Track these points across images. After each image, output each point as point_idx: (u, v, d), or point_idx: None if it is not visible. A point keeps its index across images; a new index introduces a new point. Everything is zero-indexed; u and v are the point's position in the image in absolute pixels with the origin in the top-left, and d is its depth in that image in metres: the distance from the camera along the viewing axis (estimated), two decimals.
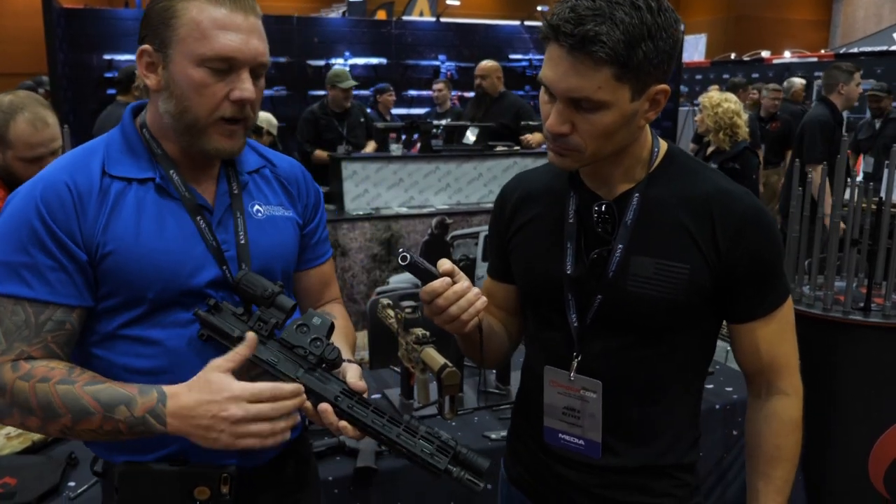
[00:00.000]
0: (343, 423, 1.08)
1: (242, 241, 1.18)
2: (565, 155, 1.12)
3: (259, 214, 1.23)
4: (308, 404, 1.08)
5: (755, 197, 1.18)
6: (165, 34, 1.10)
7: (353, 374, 1.13)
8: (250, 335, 1.09)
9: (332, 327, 1.15)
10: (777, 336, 1.20)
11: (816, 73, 11.42)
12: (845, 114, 6.70)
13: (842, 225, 2.67)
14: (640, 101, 1.08)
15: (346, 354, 1.21)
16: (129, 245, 1.11)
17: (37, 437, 1.79)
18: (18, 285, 1.07)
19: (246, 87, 1.11)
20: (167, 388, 1.05)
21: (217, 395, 1.02)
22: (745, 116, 4.19)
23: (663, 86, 1.08)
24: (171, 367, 1.13)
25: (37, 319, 1.08)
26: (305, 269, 1.35)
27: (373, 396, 2.16)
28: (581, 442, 1.22)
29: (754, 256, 1.14)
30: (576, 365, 1.20)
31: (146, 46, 1.13)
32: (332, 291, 1.42)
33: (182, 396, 1.04)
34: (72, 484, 1.66)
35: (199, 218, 1.15)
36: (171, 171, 1.16)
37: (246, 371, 1.10)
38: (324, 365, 1.12)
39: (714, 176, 1.19)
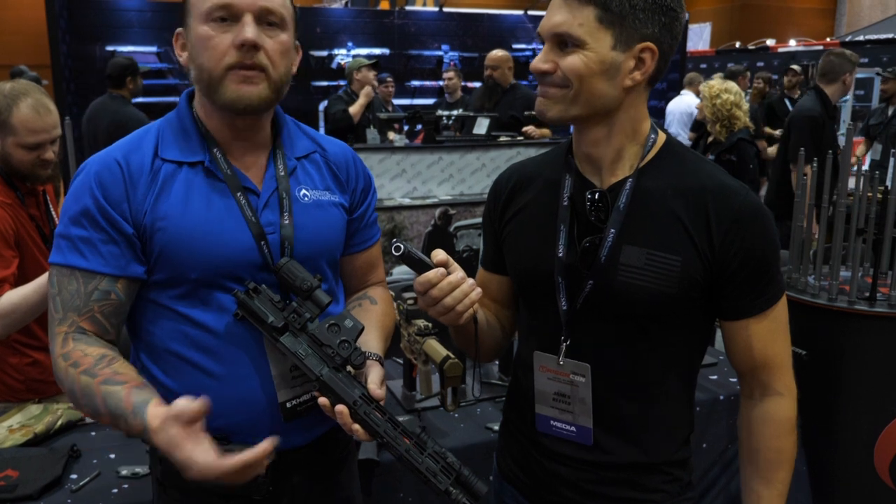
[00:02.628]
0: (356, 427, 1.10)
1: (287, 223, 1.20)
2: (546, 94, 1.14)
3: (306, 199, 1.25)
4: (326, 401, 1.11)
5: (753, 193, 1.17)
6: (185, 9, 1.17)
7: (374, 379, 1.16)
8: (265, 445, 1.06)
9: (361, 331, 1.17)
10: (770, 335, 1.18)
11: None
12: (851, 102, 6.60)
13: (815, 228, 2.62)
14: (622, 55, 1.09)
15: (375, 347, 1.24)
16: (174, 225, 1.15)
17: (39, 429, 1.79)
18: (75, 256, 1.14)
19: (246, 30, 1.11)
20: (149, 420, 1.04)
21: (178, 453, 1.02)
22: (745, 107, 4.14)
23: (649, 43, 1.09)
24: (213, 347, 1.18)
25: (86, 288, 1.15)
26: (353, 253, 1.37)
27: None
28: (573, 428, 1.21)
29: (749, 253, 1.12)
30: (564, 349, 1.19)
31: (179, 29, 1.19)
32: (378, 274, 1.44)
33: (157, 435, 1.04)
34: (74, 476, 1.65)
35: (243, 200, 1.18)
36: (216, 150, 1.19)
37: (277, 360, 1.17)
38: (348, 368, 1.15)
39: (712, 169, 1.18)
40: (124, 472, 1.66)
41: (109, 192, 1.14)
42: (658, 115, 7.91)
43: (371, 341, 1.25)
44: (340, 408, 1.09)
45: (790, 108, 6.36)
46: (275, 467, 1.17)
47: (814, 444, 2.49)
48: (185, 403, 1.03)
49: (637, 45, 1.09)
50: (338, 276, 1.36)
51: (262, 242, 1.18)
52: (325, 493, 1.33)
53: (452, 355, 1.91)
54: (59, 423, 1.84)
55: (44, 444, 1.78)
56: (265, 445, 1.05)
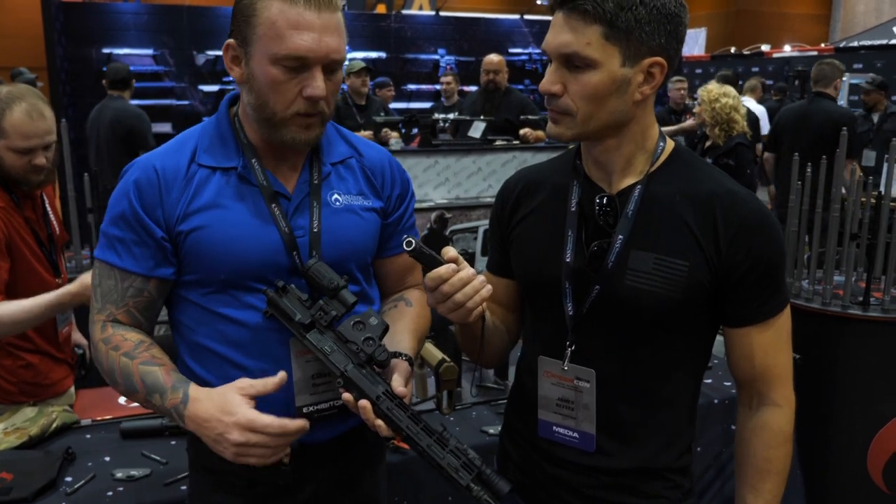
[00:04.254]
0: (379, 422, 1.12)
1: (316, 230, 1.24)
2: (558, 121, 1.14)
3: (337, 203, 1.28)
4: (350, 397, 1.13)
5: (761, 201, 1.17)
6: (247, 31, 1.17)
7: (399, 378, 1.17)
8: (281, 374, 1.15)
9: (386, 329, 1.20)
10: (772, 345, 1.18)
11: None
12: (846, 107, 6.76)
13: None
14: (631, 70, 1.09)
15: (408, 346, 1.27)
16: (206, 228, 1.20)
17: (33, 432, 1.79)
18: (111, 254, 1.23)
19: (317, 84, 1.16)
20: (192, 391, 1.15)
21: (226, 416, 1.10)
22: (743, 111, 4.17)
23: (658, 58, 1.09)
24: (243, 342, 1.23)
25: (122, 285, 1.23)
26: (388, 257, 1.39)
27: None
28: (575, 435, 1.22)
29: (756, 260, 1.13)
30: (569, 354, 1.20)
31: (231, 41, 1.20)
32: (416, 277, 1.45)
33: (199, 405, 1.13)
34: (69, 479, 1.65)
35: (274, 206, 1.22)
36: (253, 160, 1.23)
37: (300, 355, 1.22)
38: (372, 364, 1.17)
39: (720, 176, 1.18)
40: (119, 475, 1.66)
41: (145, 198, 1.20)
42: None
43: (403, 342, 1.27)
44: (363, 403, 1.11)
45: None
46: (299, 457, 1.22)
47: (808, 447, 2.50)
48: (270, 385, 1.13)
49: (646, 61, 1.09)
50: (370, 279, 1.38)
51: (293, 245, 1.22)
52: (349, 489, 1.35)
53: (448, 359, 1.91)
54: (54, 425, 1.84)
55: (38, 447, 1.77)
56: (300, 423, 1.12)
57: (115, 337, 1.21)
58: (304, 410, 1.24)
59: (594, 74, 1.08)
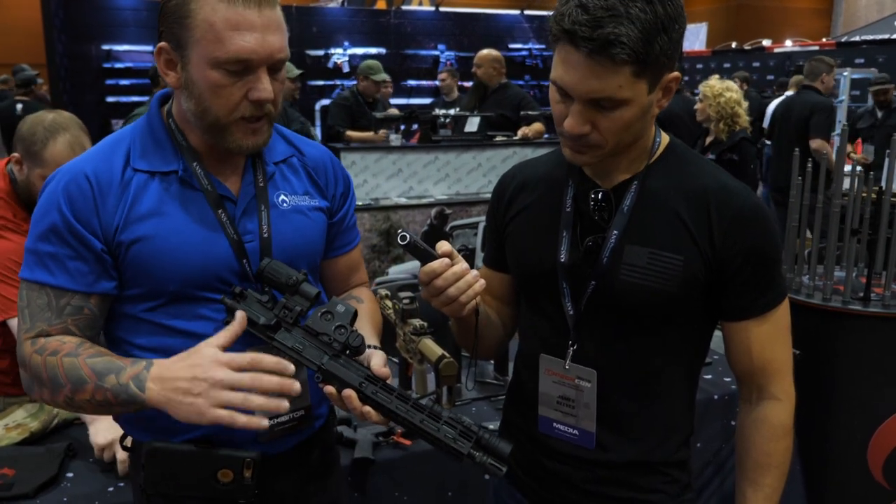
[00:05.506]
0: (367, 409, 1.09)
1: (266, 235, 1.19)
2: (584, 152, 1.12)
3: (284, 205, 1.24)
4: (332, 390, 1.10)
5: (755, 194, 1.17)
6: (181, 34, 1.09)
7: (377, 361, 1.14)
8: (239, 313, 1.10)
9: (355, 315, 1.16)
10: (770, 338, 1.18)
11: None
12: (847, 102, 7.08)
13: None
14: (655, 92, 1.08)
15: (370, 340, 1.23)
16: (150, 237, 1.12)
17: (35, 427, 1.79)
18: (42, 272, 1.12)
19: (263, 87, 1.10)
20: (155, 361, 1.08)
21: (203, 359, 1.03)
22: (745, 105, 4.16)
23: (675, 73, 1.09)
24: None
25: (57, 303, 1.13)
26: (334, 257, 1.36)
27: None
28: (575, 432, 1.22)
29: (750, 254, 1.13)
30: (571, 353, 1.20)
31: (164, 44, 1.12)
32: (360, 276, 1.43)
33: (167, 363, 1.06)
34: (70, 475, 1.66)
35: (220, 211, 1.16)
36: (195, 164, 1.16)
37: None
38: (348, 352, 1.13)
39: (714, 171, 1.19)
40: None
41: (78, 208, 1.11)
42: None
43: (366, 336, 1.24)
44: (347, 392, 1.08)
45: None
46: (262, 472, 1.16)
47: (808, 443, 2.50)
48: (232, 325, 1.08)
49: (665, 78, 1.08)
50: (317, 281, 1.34)
51: (242, 252, 1.17)
52: (312, 496, 1.32)
53: (448, 354, 1.91)
54: (56, 421, 1.84)
55: (40, 443, 1.77)
56: (285, 364, 1.06)
57: (50, 343, 1.11)
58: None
59: (626, 111, 1.05)
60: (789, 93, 7.81)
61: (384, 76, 5.55)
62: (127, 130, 1.20)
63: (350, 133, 5.25)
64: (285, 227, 1.22)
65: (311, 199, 1.28)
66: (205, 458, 1.14)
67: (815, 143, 5.41)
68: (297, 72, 5.26)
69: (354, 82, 6.25)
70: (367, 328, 1.27)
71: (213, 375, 1.02)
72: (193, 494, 1.15)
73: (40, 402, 1.16)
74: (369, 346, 1.18)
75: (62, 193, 1.12)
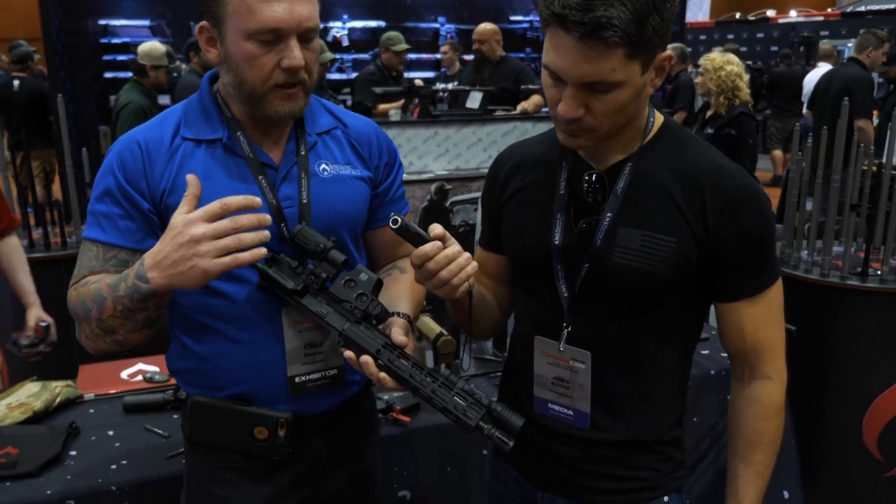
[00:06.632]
0: (383, 375, 1.13)
1: (305, 201, 1.24)
2: (579, 136, 1.11)
3: (325, 173, 1.28)
4: (351, 354, 1.14)
5: (749, 175, 1.17)
6: (217, 11, 1.17)
7: (397, 330, 1.19)
8: (191, 176, 1.10)
9: (378, 283, 1.20)
10: (763, 318, 1.19)
11: (822, 32, 11.25)
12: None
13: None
14: (649, 73, 1.07)
15: (404, 308, 1.27)
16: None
17: (38, 407, 1.81)
18: (96, 230, 1.22)
19: (294, 54, 1.15)
20: (145, 255, 1.11)
21: (176, 228, 1.06)
22: (746, 78, 4.13)
23: (668, 52, 1.08)
24: (234, 315, 1.23)
25: (105, 255, 1.22)
26: (380, 227, 1.38)
27: None
28: (570, 412, 1.23)
29: (744, 235, 1.13)
30: (566, 335, 1.21)
31: (205, 23, 1.20)
32: (407, 247, 1.44)
33: (155, 248, 1.09)
34: (73, 453, 1.68)
35: (261, 177, 1.22)
36: (238, 133, 1.23)
37: (293, 325, 1.23)
38: (372, 320, 1.17)
39: (708, 151, 1.18)
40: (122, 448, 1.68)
41: (129, 172, 1.20)
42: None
43: (400, 303, 1.28)
44: (365, 358, 1.12)
45: None
46: (293, 431, 1.24)
47: (804, 416, 2.52)
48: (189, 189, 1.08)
49: (658, 58, 1.07)
50: (360, 249, 1.38)
51: (280, 217, 1.22)
52: (344, 461, 1.37)
53: (446, 332, 1.93)
54: (58, 400, 1.87)
55: (43, 422, 1.80)
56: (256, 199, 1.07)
57: (88, 279, 1.20)
58: (297, 380, 1.26)
59: (620, 93, 1.05)
60: (822, 64, 7.85)
61: (404, 45, 5.58)
62: (179, 105, 1.29)
63: (381, 106, 5.25)
64: (325, 194, 1.27)
65: (352, 169, 1.32)
66: (242, 414, 1.25)
67: (861, 123, 5.16)
68: (329, 56, 5.28)
69: (355, 55, 6.23)
70: (401, 298, 1.30)
71: (193, 233, 1.04)
72: (233, 447, 1.27)
73: (86, 344, 1.22)
74: (397, 314, 1.23)
75: (116, 159, 1.22)
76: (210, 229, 1.04)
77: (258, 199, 1.08)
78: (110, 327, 1.16)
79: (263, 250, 1.08)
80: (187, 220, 1.05)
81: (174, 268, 1.06)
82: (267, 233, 1.07)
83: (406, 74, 7.90)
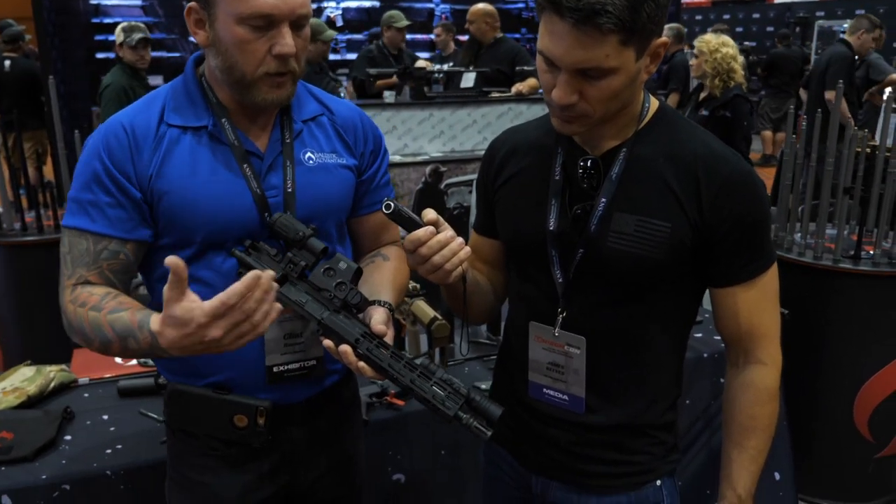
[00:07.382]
0: (362, 364, 1.13)
1: (290, 190, 1.23)
2: (573, 122, 1.11)
3: (311, 162, 1.27)
4: (330, 343, 1.14)
5: (744, 160, 1.16)
6: None
7: (377, 319, 1.18)
8: (171, 259, 1.01)
9: (358, 272, 1.19)
10: (757, 303, 1.19)
11: (818, 13, 11.20)
12: None
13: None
14: (643, 59, 1.07)
15: (387, 296, 1.27)
16: (179, 189, 1.18)
17: (32, 391, 1.81)
18: (84, 218, 1.19)
19: (286, 42, 1.13)
20: (153, 326, 1.06)
21: (188, 327, 1.01)
22: (741, 60, 4.11)
23: (662, 39, 1.07)
24: None
25: (95, 248, 1.19)
26: (364, 215, 1.38)
27: None
28: (565, 397, 1.24)
29: (738, 220, 1.13)
30: (560, 321, 1.21)
31: (193, 4, 1.18)
32: (391, 234, 1.45)
33: (166, 334, 1.04)
34: (68, 437, 1.68)
35: (245, 165, 1.21)
36: (223, 119, 1.22)
37: (272, 324, 1.14)
38: (349, 308, 1.17)
39: (703, 136, 1.18)
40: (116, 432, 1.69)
41: (116, 157, 1.18)
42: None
43: (382, 292, 1.28)
44: (344, 347, 1.12)
45: None
46: (272, 418, 1.24)
47: (796, 398, 2.54)
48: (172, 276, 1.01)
49: (653, 44, 1.06)
50: (345, 238, 1.38)
51: (264, 206, 1.21)
52: (324, 449, 1.37)
53: (440, 316, 1.93)
54: (52, 385, 1.87)
55: (37, 407, 1.80)
56: (268, 275, 1.03)
57: (81, 295, 1.17)
58: (275, 370, 1.25)
59: (614, 79, 1.04)
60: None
61: (406, 21, 5.58)
62: (163, 88, 1.26)
63: (380, 83, 5.21)
64: (310, 183, 1.26)
65: (338, 157, 1.31)
66: (221, 403, 1.24)
67: (829, 94, 5.42)
68: (332, 34, 5.24)
69: (349, 36, 6.18)
70: (383, 286, 1.30)
71: (212, 337, 1.01)
72: (213, 435, 1.26)
73: (77, 341, 1.21)
74: (379, 303, 1.23)
75: (102, 144, 1.18)
76: (228, 325, 1.01)
77: (267, 273, 1.03)
78: (112, 354, 1.18)
79: (278, 306, 1.06)
80: (199, 324, 1.00)
81: (198, 351, 1.04)
82: (273, 294, 1.05)
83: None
